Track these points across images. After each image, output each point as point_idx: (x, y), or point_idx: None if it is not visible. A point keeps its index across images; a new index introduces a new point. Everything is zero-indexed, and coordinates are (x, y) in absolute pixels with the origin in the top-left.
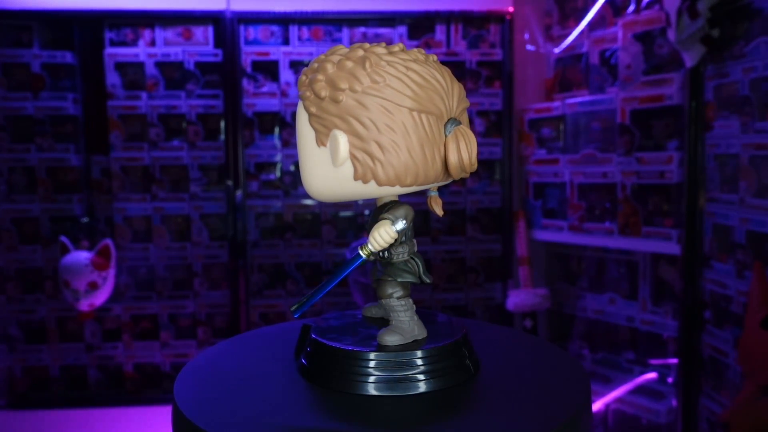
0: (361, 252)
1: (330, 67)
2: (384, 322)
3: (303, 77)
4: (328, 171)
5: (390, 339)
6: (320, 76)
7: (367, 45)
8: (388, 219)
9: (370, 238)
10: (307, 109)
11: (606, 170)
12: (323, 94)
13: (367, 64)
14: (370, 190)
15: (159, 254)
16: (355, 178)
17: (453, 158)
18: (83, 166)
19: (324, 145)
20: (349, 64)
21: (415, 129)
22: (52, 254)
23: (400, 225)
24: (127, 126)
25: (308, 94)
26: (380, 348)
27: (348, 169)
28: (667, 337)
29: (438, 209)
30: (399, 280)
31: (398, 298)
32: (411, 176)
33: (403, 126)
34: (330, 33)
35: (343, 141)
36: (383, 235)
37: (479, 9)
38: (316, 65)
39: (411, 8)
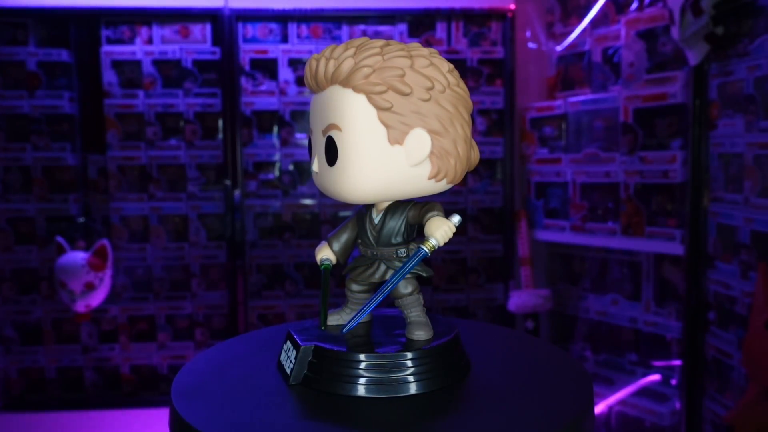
0: (425, 248)
1: (406, 63)
2: (360, 326)
3: (366, 68)
4: (399, 170)
5: (421, 333)
6: (397, 72)
7: (417, 44)
8: (440, 215)
9: (437, 235)
10: (377, 105)
11: (609, 170)
12: (407, 90)
13: (446, 65)
14: (436, 187)
15: (156, 255)
16: (430, 177)
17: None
18: (79, 166)
19: (399, 143)
20: (425, 62)
21: (471, 128)
22: (48, 255)
23: (457, 219)
24: (123, 125)
25: (381, 88)
26: (371, 349)
27: (424, 168)
28: (671, 339)
29: None
30: (425, 275)
31: (417, 293)
32: (465, 173)
33: (469, 125)
34: (329, 30)
35: (428, 140)
36: (448, 232)
37: (480, 6)
38: (379, 59)
39: (411, 5)
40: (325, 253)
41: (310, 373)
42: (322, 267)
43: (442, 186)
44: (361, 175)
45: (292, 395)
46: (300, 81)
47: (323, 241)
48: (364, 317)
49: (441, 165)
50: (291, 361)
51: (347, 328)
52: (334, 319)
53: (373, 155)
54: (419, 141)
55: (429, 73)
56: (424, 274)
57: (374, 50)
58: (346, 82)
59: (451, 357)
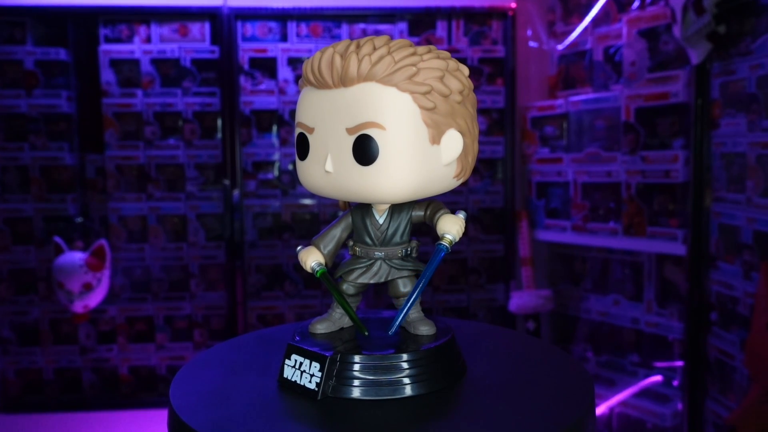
0: (445, 244)
1: (443, 65)
2: (350, 329)
3: (410, 68)
4: (435, 169)
5: (426, 329)
6: (438, 73)
7: (433, 47)
8: (449, 212)
9: (453, 231)
10: (422, 105)
11: (610, 169)
12: (447, 92)
13: (466, 69)
14: (453, 185)
15: (155, 255)
16: (454, 176)
17: None
18: (77, 165)
19: (437, 143)
20: (455, 64)
21: None
22: (46, 255)
23: (464, 215)
24: (122, 124)
25: (426, 88)
26: (365, 351)
27: (452, 167)
28: (673, 339)
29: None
30: (424, 270)
31: None
32: None
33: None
34: (329, 29)
35: (461, 140)
36: (462, 227)
37: (481, 5)
38: (418, 58)
39: (411, 4)
40: (315, 257)
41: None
42: (319, 273)
43: (456, 183)
44: (404, 174)
45: (289, 398)
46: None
47: (301, 246)
48: (404, 317)
49: (464, 164)
50: (314, 375)
51: (393, 329)
52: (325, 327)
53: (417, 155)
54: (454, 141)
55: (459, 76)
56: (422, 270)
57: (410, 49)
58: (386, 81)
59: (447, 359)
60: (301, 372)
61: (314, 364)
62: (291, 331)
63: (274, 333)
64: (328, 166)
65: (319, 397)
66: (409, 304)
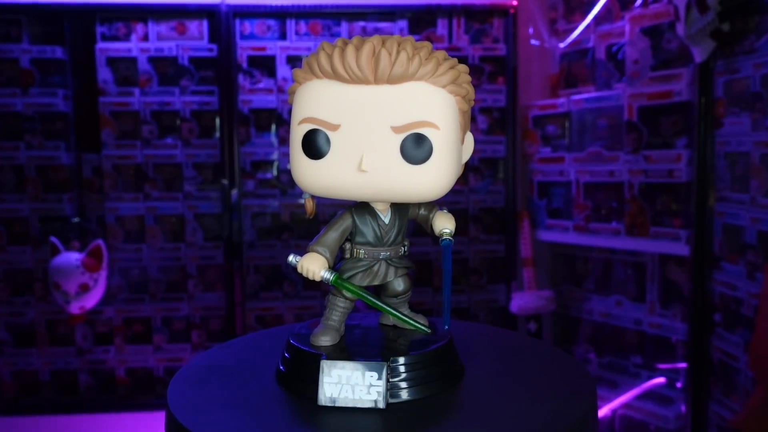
0: (450, 239)
1: (467, 69)
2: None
3: (454, 71)
4: (460, 168)
5: (423, 322)
6: (468, 78)
7: None
8: (438, 209)
9: (450, 226)
10: (462, 107)
11: (613, 169)
12: (472, 96)
13: None
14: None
15: (152, 255)
16: (459, 173)
17: None
18: (74, 165)
19: (463, 143)
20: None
21: None
22: (42, 255)
23: (446, 210)
24: (119, 123)
25: (465, 91)
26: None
27: (462, 166)
28: (676, 341)
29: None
30: (413, 268)
31: (410, 291)
32: None
33: None
34: (328, 27)
35: (473, 141)
36: (454, 222)
37: (482, 2)
38: (455, 61)
39: (412, 1)
40: (321, 264)
41: (296, 377)
42: (333, 280)
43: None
44: (448, 172)
45: (282, 400)
46: None
47: (294, 255)
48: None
49: (464, 165)
50: (373, 385)
51: (447, 326)
52: (330, 338)
53: (457, 154)
54: (471, 141)
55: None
56: (413, 267)
57: (443, 52)
58: (435, 81)
59: (445, 362)
60: (352, 386)
61: (369, 374)
62: (286, 332)
63: (272, 334)
64: (365, 165)
65: (384, 406)
66: (449, 303)
